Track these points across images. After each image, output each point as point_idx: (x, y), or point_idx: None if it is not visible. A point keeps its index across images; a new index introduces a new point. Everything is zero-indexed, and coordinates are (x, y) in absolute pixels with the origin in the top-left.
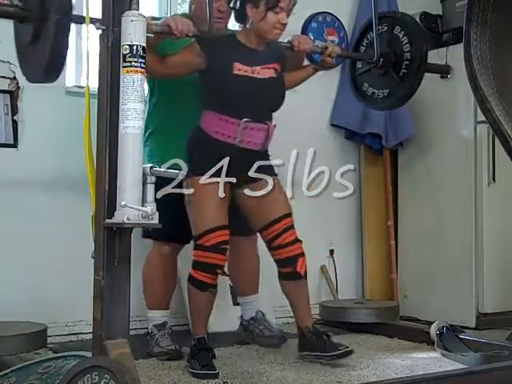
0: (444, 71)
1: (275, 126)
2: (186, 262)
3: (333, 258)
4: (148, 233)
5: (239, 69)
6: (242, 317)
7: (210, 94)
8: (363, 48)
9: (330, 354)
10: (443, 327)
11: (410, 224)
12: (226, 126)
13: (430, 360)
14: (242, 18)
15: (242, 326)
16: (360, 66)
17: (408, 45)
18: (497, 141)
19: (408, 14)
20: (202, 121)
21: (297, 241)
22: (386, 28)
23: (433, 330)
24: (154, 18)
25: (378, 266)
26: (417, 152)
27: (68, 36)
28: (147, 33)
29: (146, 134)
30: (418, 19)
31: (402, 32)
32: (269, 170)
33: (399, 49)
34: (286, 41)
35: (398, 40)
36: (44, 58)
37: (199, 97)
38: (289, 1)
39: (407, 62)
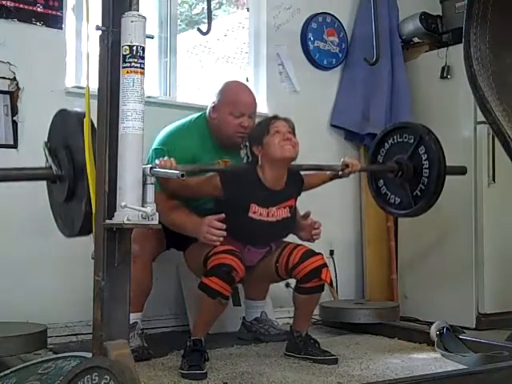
0: (461, 172)
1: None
2: (185, 265)
3: (333, 258)
4: None
5: (254, 211)
6: (244, 317)
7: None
8: (381, 155)
9: (315, 357)
10: (443, 328)
11: (409, 225)
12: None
13: (429, 360)
14: (254, 162)
15: (245, 326)
16: (380, 161)
17: (428, 171)
18: (497, 141)
19: (435, 136)
20: None
21: (314, 254)
22: (411, 141)
23: (433, 330)
24: None
25: (378, 267)
26: None
27: None
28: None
29: None
30: (417, 20)
31: (425, 155)
32: None
33: (419, 168)
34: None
35: (419, 160)
36: (79, 218)
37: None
38: (284, 122)
39: (423, 187)
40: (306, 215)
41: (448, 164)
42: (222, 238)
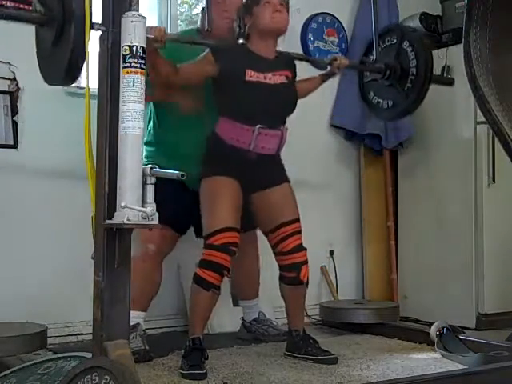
0: (448, 83)
1: (287, 129)
2: (186, 265)
3: (333, 258)
4: None
5: (251, 75)
6: (243, 318)
7: (223, 101)
8: (372, 57)
9: (315, 357)
10: (443, 328)
11: (409, 224)
12: (241, 133)
13: (430, 361)
14: (244, 33)
15: (245, 327)
16: (367, 74)
17: (415, 60)
18: (497, 141)
19: (416, 29)
20: (218, 127)
21: (302, 248)
22: (394, 41)
23: (433, 330)
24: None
25: (377, 267)
26: (417, 153)
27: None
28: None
29: (152, 142)
30: (417, 20)
31: (410, 47)
32: (282, 176)
33: (406, 63)
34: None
35: (405, 54)
36: (64, 62)
37: (206, 102)
38: None
39: (413, 77)
40: None
41: (447, 165)
42: None
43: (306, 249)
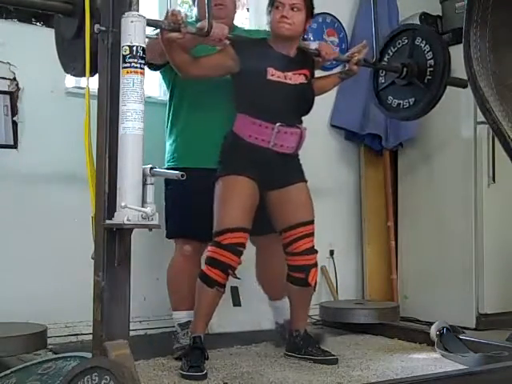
0: (462, 85)
1: (305, 128)
2: None
3: (333, 258)
4: (169, 233)
5: (272, 74)
6: (276, 322)
7: (243, 97)
8: (382, 76)
9: (315, 357)
10: (443, 328)
11: (410, 225)
12: (260, 130)
13: (430, 361)
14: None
15: (279, 332)
16: (383, 81)
17: (430, 52)
18: (497, 141)
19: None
20: (236, 125)
21: (313, 251)
22: (406, 41)
23: (433, 330)
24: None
25: (378, 267)
26: (417, 153)
27: None
28: (180, 34)
29: (171, 136)
30: (417, 20)
31: (423, 42)
32: (299, 175)
33: (422, 58)
34: (313, 48)
35: (419, 50)
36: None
37: (222, 98)
38: None
39: (431, 69)
40: None
41: (448, 165)
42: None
43: (317, 251)
